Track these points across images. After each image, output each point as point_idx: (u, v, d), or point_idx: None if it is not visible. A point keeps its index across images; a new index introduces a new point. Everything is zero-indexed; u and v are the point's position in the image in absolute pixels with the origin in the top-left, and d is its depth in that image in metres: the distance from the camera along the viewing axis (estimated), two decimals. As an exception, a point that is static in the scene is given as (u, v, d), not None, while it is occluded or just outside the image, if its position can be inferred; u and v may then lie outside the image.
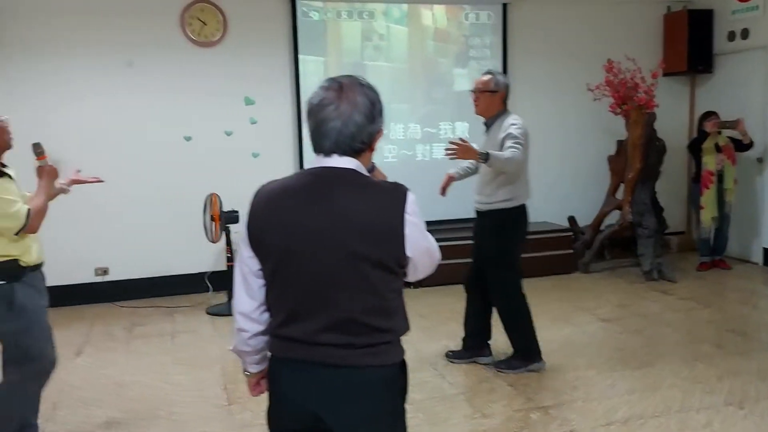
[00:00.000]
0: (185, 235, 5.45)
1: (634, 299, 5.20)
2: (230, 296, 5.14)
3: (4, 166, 2.72)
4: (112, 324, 4.88)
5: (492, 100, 3.64)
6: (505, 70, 6.14)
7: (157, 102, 5.38)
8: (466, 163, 3.90)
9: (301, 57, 5.60)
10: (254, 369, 1.75)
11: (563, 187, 6.47)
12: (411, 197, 1.54)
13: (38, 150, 2.90)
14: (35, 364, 2.84)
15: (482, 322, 3.91)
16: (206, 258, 5.58)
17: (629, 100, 5.65)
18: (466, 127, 6.11)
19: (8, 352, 2.75)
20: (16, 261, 2.70)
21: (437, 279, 5.80)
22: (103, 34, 5.21)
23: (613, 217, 6.17)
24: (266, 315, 1.63)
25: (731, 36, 6.33)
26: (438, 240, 1.69)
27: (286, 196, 1.55)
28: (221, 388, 3.65)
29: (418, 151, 6.04)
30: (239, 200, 5.31)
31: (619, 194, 6.12)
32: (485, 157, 3.35)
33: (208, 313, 5.07)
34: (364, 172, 1.58)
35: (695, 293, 5.33)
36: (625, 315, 4.82)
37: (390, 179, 1.64)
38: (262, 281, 1.60)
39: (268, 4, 5.57)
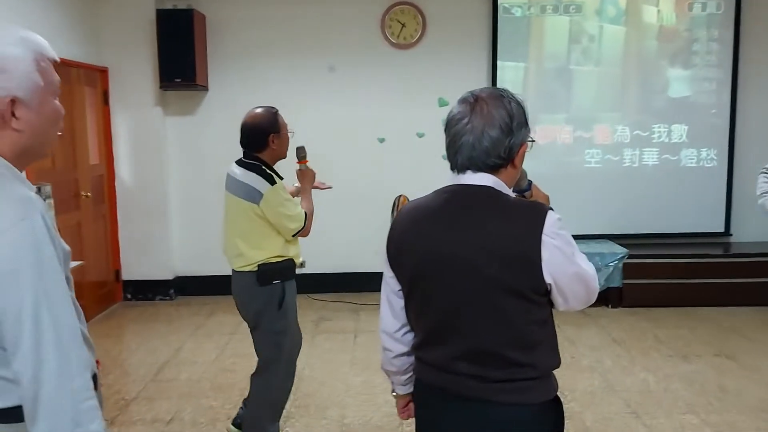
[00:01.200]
0: (375, 233, 5.49)
1: None
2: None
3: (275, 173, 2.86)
4: (303, 315, 5.04)
5: None
6: (735, 69, 5.35)
7: (354, 104, 5.50)
8: None
9: (500, 56, 5.37)
10: (401, 390, 1.72)
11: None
12: (552, 217, 1.40)
13: (301, 154, 2.97)
14: (287, 366, 2.92)
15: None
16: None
17: None
18: (684, 130, 5.44)
19: (267, 352, 2.85)
20: (292, 261, 2.82)
21: (640, 299, 5.46)
22: (306, 40, 5.44)
23: None
24: (409, 336, 1.59)
25: None
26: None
27: (421, 216, 1.50)
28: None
29: (626, 155, 5.49)
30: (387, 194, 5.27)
31: None
32: None
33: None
34: (504, 189, 1.45)
35: None
36: None
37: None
38: (403, 301, 1.56)
39: (468, 2, 5.42)
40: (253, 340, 2.90)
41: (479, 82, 5.44)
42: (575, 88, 5.47)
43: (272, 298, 2.75)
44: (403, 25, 5.39)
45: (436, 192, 1.52)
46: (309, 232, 2.83)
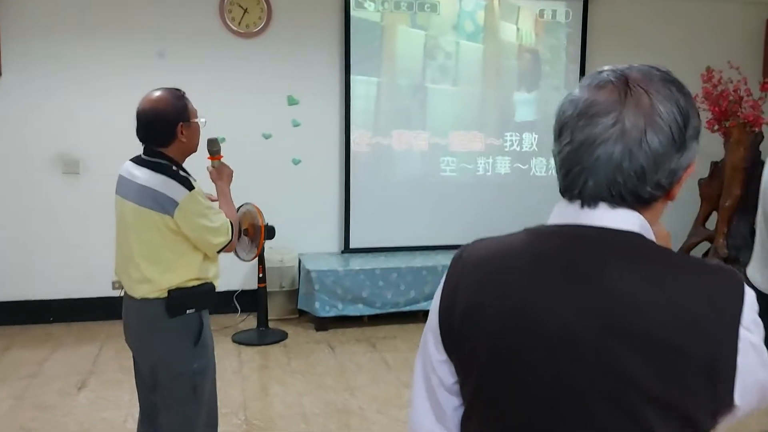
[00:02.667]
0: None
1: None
2: (260, 320, 4.51)
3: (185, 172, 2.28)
4: (125, 349, 4.26)
5: None
6: (582, 64, 5.38)
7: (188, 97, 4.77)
8: None
9: (353, 51, 4.94)
10: None
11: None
12: (750, 296, 0.85)
13: (215, 147, 2.48)
14: (204, 411, 2.33)
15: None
16: (234, 275, 4.96)
17: (732, 116, 4.84)
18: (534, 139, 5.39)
19: (181, 402, 2.26)
20: (212, 284, 2.30)
21: None
22: (130, 18, 4.64)
23: (701, 250, 5.37)
24: None
25: None
26: None
27: (508, 267, 0.92)
28: (240, 449, 3.00)
29: (480, 164, 5.32)
30: (276, 211, 4.73)
31: (710, 224, 5.32)
32: None
33: (234, 341, 4.43)
34: (653, 237, 0.90)
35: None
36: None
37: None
38: (458, 401, 0.98)
39: (318, -8, 4.94)
40: (146, 388, 2.32)
41: (332, 77, 4.98)
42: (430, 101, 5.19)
43: (186, 331, 2.23)
44: (245, 11, 4.77)
45: (529, 233, 0.95)
46: (235, 245, 2.39)
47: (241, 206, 4.39)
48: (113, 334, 4.50)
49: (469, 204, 5.29)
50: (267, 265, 4.65)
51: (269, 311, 4.64)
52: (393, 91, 5.08)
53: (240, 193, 4.88)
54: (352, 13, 4.88)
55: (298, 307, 4.81)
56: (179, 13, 4.70)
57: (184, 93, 2.31)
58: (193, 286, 2.23)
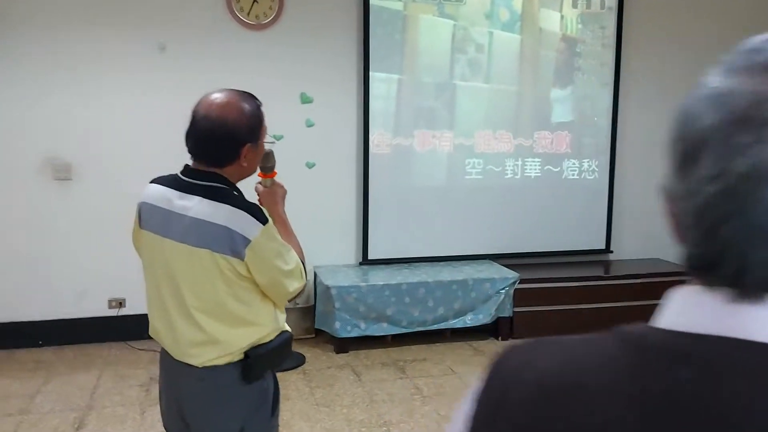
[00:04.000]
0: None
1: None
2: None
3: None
4: (126, 376, 3.83)
5: None
6: (617, 71, 4.98)
7: (191, 96, 4.31)
8: None
9: (373, 44, 4.50)
10: None
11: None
12: None
13: (269, 163, 1.93)
14: None
15: None
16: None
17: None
18: (568, 139, 4.98)
19: None
20: (289, 334, 1.84)
21: (531, 329, 4.62)
22: (127, 8, 4.18)
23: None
24: None
25: None
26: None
27: (589, 418, 0.51)
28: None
29: (508, 166, 4.91)
30: (289, 218, 4.28)
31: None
32: None
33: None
34: None
35: None
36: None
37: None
38: None
39: (334, -21, 4.49)
40: None
41: (350, 72, 4.54)
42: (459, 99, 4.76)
43: (264, 398, 1.78)
44: (255, 0, 4.32)
45: (629, 346, 0.54)
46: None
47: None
48: (111, 360, 4.06)
49: (496, 209, 4.88)
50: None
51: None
52: (416, 90, 4.65)
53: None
54: (372, 1, 4.45)
55: (316, 326, 4.37)
56: (182, 3, 4.24)
57: (261, 104, 1.82)
58: (271, 341, 1.76)
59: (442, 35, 4.62)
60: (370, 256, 4.69)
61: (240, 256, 1.62)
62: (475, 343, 4.40)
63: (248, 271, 1.65)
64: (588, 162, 5.06)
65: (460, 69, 4.69)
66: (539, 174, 4.97)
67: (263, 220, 1.66)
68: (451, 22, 4.63)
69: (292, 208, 4.33)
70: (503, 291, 4.40)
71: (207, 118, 1.68)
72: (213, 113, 1.68)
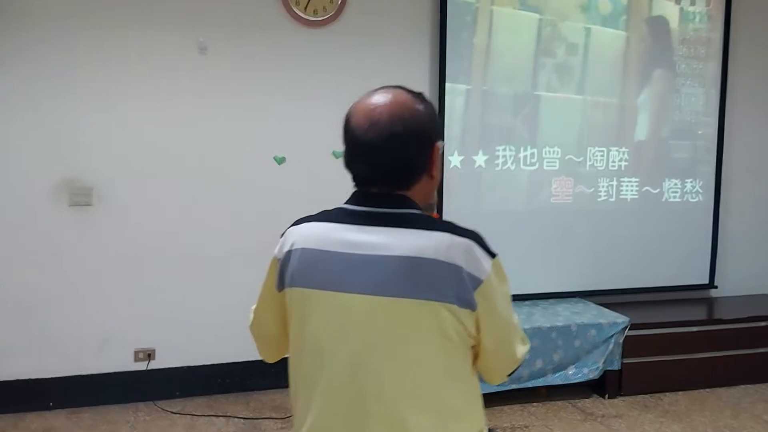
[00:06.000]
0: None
1: None
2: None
3: None
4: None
5: None
6: (724, 73, 4.28)
7: (237, 107, 3.61)
8: None
9: (449, 45, 3.80)
10: None
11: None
12: None
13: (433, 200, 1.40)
14: None
15: None
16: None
17: None
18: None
19: None
20: None
21: (643, 384, 3.68)
22: (161, 0, 3.48)
23: None
24: None
25: None
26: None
27: None
28: None
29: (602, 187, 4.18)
30: None
31: None
32: None
33: None
34: None
35: None
36: None
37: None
38: None
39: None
40: None
41: (421, 78, 3.83)
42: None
43: None
44: (313, -8, 3.63)
45: None
46: None
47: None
48: (139, 426, 3.29)
49: (588, 238, 4.15)
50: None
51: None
52: (488, 103, 3.92)
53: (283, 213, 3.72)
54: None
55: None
56: (226, -6, 3.55)
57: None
58: None
59: (524, 33, 3.91)
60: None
61: (471, 305, 1.15)
62: (580, 403, 3.63)
63: (477, 327, 1.18)
64: (691, 182, 4.33)
65: (546, 77, 3.97)
66: (636, 196, 4.23)
67: (491, 252, 1.20)
68: (536, 15, 3.91)
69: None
70: (612, 339, 3.64)
71: (378, 127, 1.20)
72: (388, 120, 1.20)
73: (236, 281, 3.52)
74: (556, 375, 3.58)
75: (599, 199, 4.16)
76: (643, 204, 4.24)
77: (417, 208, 1.22)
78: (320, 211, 1.28)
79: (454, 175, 3.89)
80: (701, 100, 4.28)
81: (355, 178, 1.25)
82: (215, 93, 3.56)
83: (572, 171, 4.08)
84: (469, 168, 3.91)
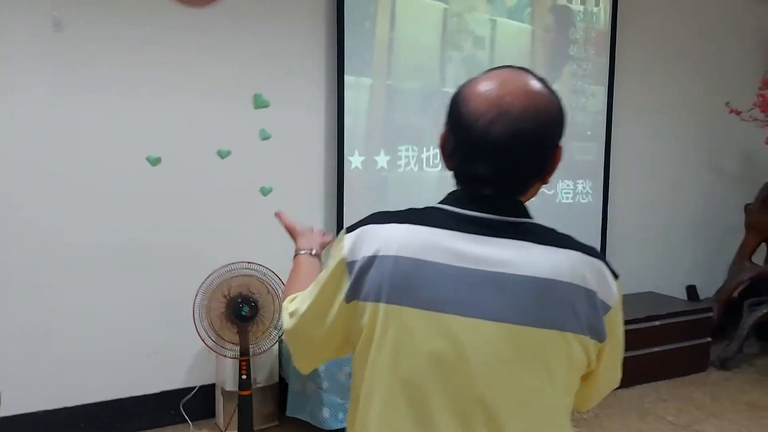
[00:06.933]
0: (145, 327, 3.15)
1: None
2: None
3: None
4: None
5: None
6: (612, 72, 4.31)
7: (102, 94, 3.01)
8: None
9: (349, 35, 3.45)
10: None
11: (673, 245, 4.75)
12: None
13: None
14: None
15: None
16: (181, 369, 3.27)
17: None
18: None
19: None
20: None
21: None
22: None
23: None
24: None
25: None
26: None
27: None
28: None
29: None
30: (240, 260, 3.12)
31: (757, 258, 4.51)
32: None
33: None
34: None
35: None
36: None
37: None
38: None
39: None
40: None
41: (316, 70, 3.45)
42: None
43: None
44: (194, -35, 3.11)
45: None
46: None
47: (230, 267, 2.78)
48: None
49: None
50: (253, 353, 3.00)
51: (225, 417, 3.04)
52: (393, 99, 3.63)
53: (190, 236, 3.21)
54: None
55: (288, 413, 3.19)
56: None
57: None
58: None
59: (430, 24, 3.65)
60: (344, 309, 3.60)
61: (601, 336, 1.03)
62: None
63: (590, 360, 1.04)
64: (582, 183, 4.34)
65: (454, 71, 3.75)
66: (533, 198, 4.14)
67: (615, 272, 1.08)
68: (441, 5, 3.67)
69: (242, 247, 3.20)
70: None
71: (507, 119, 0.98)
72: (520, 111, 0.98)
73: (108, 303, 2.93)
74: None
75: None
76: (539, 205, 4.13)
77: (531, 217, 1.06)
78: (405, 208, 1.07)
79: (356, 177, 3.55)
80: (591, 100, 4.29)
81: (464, 176, 1.06)
82: (69, 76, 2.93)
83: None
84: (371, 169, 3.60)
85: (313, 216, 3.54)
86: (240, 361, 2.79)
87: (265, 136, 3.38)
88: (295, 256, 1.37)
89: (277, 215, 1.52)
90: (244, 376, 2.78)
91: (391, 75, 3.58)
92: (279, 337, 2.94)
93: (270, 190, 3.42)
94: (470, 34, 3.73)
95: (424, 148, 3.72)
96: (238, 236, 3.32)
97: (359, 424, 1.04)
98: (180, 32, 3.11)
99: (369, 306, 1.00)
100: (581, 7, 4.13)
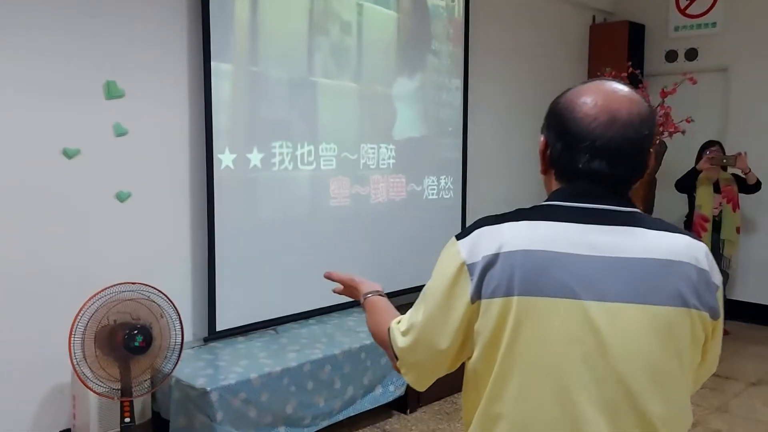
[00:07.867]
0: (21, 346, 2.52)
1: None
2: None
3: None
4: None
5: None
6: (466, 65, 4.38)
7: None
8: None
9: (213, 13, 3.05)
10: None
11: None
12: None
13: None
14: None
15: None
16: (25, 416, 2.66)
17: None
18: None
19: None
20: None
21: None
22: None
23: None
24: None
25: (671, 56, 5.58)
26: None
27: None
28: None
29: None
30: (91, 278, 2.59)
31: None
32: None
33: None
34: None
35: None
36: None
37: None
38: None
39: None
40: None
41: (178, 55, 3.02)
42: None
43: None
44: None
45: None
46: None
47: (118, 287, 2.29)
48: None
49: (367, 242, 3.84)
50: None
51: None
52: (260, 89, 3.30)
53: (28, 249, 2.61)
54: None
55: (170, 452, 2.74)
56: None
57: None
58: None
59: (295, 5, 3.38)
60: (219, 326, 3.21)
61: (716, 313, 1.09)
62: (386, 425, 3.30)
63: (707, 340, 1.10)
64: (444, 179, 4.35)
65: (322, 59, 3.51)
66: (404, 195, 4.07)
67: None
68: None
69: (95, 261, 2.68)
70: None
71: (619, 124, 1.08)
72: (627, 117, 1.09)
73: None
74: (366, 399, 3.18)
75: (372, 201, 3.87)
76: (408, 202, 4.10)
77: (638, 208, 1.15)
78: (513, 209, 1.12)
79: (227, 177, 3.17)
80: (452, 93, 4.31)
81: (578, 173, 1.10)
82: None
83: (348, 170, 3.70)
84: (244, 168, 3.24)
85: (180, 224, 3.10)
86: (122, 402, 2.30)
87: (120, 132, 2.88)
88: (365, 300, 1.38)
89: (328, 276, 1.46)
90: (127, 419, 2.30)
91: (256, 61, 3.25)
92: (169, 374, 2.49)
93: (128, 195, 2.92)
94: (337, 18, 3.52)
95: (299, 145, 3.44)
96: (94, 253, 2.79)
97: (487, 408, 1.07)
98: (13, 9, 2.51)
99: (497, 302, 1.03)
100: (442, 3, 4.12)
